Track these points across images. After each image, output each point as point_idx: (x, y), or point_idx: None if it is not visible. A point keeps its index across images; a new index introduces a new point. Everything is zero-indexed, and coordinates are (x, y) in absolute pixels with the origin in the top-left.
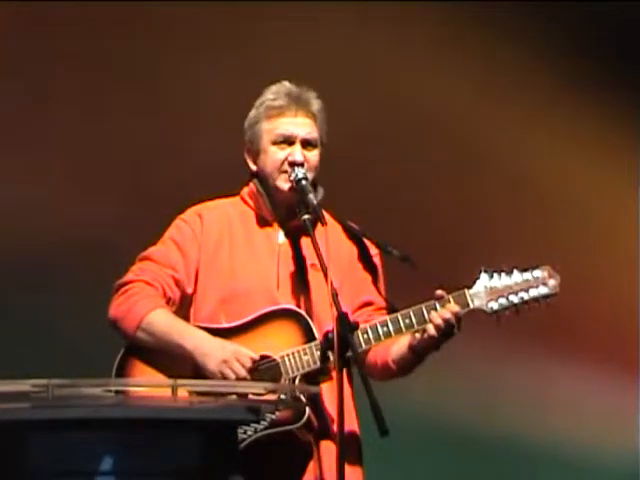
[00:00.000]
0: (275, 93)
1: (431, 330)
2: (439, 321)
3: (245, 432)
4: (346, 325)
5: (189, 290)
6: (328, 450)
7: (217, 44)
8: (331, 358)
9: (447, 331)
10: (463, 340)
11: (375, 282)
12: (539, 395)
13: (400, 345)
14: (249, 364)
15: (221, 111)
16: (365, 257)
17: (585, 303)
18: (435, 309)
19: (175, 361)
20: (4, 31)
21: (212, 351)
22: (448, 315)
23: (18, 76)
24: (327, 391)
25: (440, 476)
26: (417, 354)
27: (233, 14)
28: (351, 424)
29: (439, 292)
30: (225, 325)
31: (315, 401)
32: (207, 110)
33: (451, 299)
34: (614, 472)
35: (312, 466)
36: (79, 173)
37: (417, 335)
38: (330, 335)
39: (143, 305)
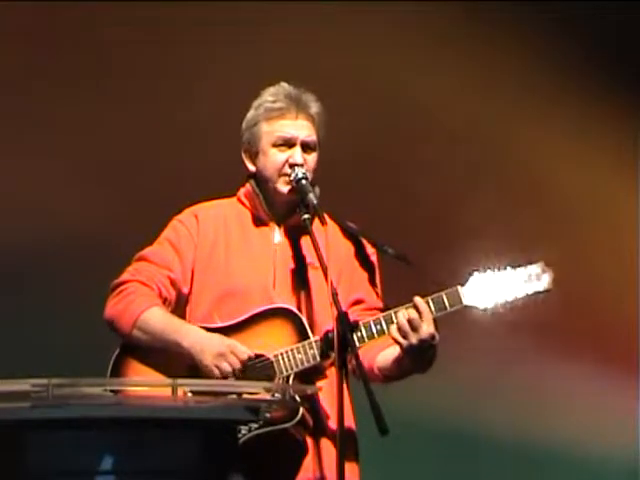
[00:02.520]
0: (274, 95)
1: (392, 332)
2: (402, 321)
3: (239, 431)
4: (346, 325)
5: (185, 290)
6: (325, 447)
7: (216, 44)
8: (331, 357)
9: (409, 335)
10: (463, 340)
11: (371, 281)
12: (539, 395)
13: (387, 355)
14: (244, 358)
15: (219, 111)
16: (362, 256)
17: (585, 303)
18: (428, 304)
19: (170, 359)
20: (5, 33)
21: (208, 346)
22: (413, 316)
23: (17, 77)
24: (324, 388)
25: (440, 476)
26: (401, 370)
27: (232, 14)
28: (347, 420)
29: (416, 299)
30: (219, 324)
31: (311, 399)
32: (205, 110)
33: (444, 296)
34: (614, 471)
35: (309, 463)
36: (77, 173)
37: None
38: (330, 335)
39: (139, 304)
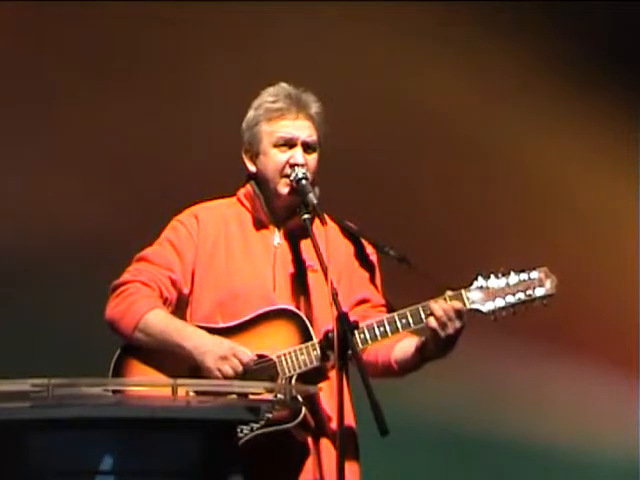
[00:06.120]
0: (274, 95)
1: (431, 322)
2: (440, 313)
3: (242, 431)
4: (346, 325)
5: (185, 290)
6: (325, 448)
7: (215, 44)
8: (331, 357)
9: (447, 326)
10: (463, 340)
11: (372, 280)
12: (539, 395)
13: (404, 346)
14: (246, 361)
15: (219, 110)
16: (362, 255)
17: (585, 303)
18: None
19: (171, 360)
20: (6, 32)
21: (210, 348)
22: (447, 306)
23: (18, 76)
24: (325, 389)
25: (440, 476)
26: (423, 357)
27: (232, 13)
28: (348, 421)
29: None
30: (222, 325)
31: (312, 400)
32: (205, 109)
33: (448, 298)
34: (614, 471)
35: (310, 464)
36: (77, 172)
37: (424, 338)
38: (330, 335)
39: (140, 306)
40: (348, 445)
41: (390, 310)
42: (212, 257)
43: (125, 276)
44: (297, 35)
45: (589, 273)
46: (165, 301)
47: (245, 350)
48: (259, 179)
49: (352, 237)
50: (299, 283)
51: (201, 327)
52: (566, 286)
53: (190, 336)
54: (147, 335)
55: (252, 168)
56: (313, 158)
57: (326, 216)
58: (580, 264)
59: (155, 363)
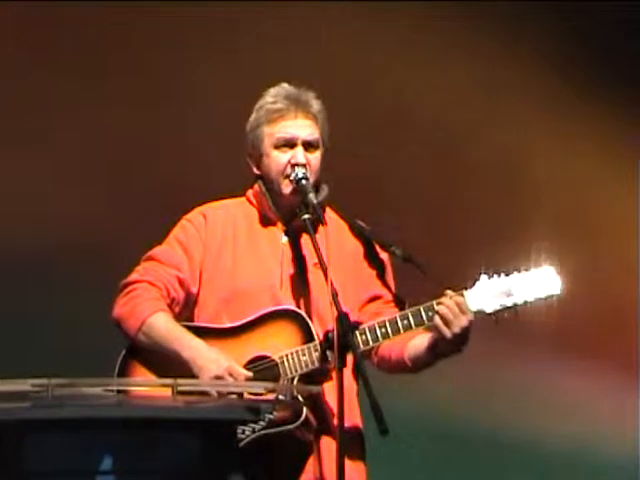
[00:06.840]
0: (274, 96)
1: (437, 320)
2: (444, 311)
3: (243, 432)
4: (346, 325)
5: (193, 289)
6: (329, 447)
7: (217, 44)
8: (330, 358)
9: (452, 324)
10: None
11: (382, 277)
12: (539, 396)
13: (417, 344)
14: (242, 379)
15: (222, 111)
16: (371, 254)
17: (586, 303)
18: (433, 309)
19: (175, 365)
20: (4, 35)
21: (207, 365)
22: (449, 302)
23: (16, 77)
24: (330, 388)
25: (440, 476)
26: (436, 354)
27: (233, 13)
28: (354, 420)
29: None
30: (226, 325)
31: (316, 399)
32: (208, 110)
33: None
34: (614, 472)
35: (312, 464)
36: (79, 174)
37: (435, 336)
38: (330, 335)
39: (145, 308)
40: (354, 445)
41: (402, 306)
42: (219, 256)
43: (133, 275)
44: (298, 35)
45: (589, 273)
46: (172, 301)
47: (240, 369)
48: (265, 180)
49: (361, 236)
50: (306, 281)
51: (206, 327)
52: (566, 286)
53: (188, 347)
54: (149, 338)
55: (256, 171)
56: (315, 157)
57: (335, 214)
58: (580, 264)
59: (159, 366)
